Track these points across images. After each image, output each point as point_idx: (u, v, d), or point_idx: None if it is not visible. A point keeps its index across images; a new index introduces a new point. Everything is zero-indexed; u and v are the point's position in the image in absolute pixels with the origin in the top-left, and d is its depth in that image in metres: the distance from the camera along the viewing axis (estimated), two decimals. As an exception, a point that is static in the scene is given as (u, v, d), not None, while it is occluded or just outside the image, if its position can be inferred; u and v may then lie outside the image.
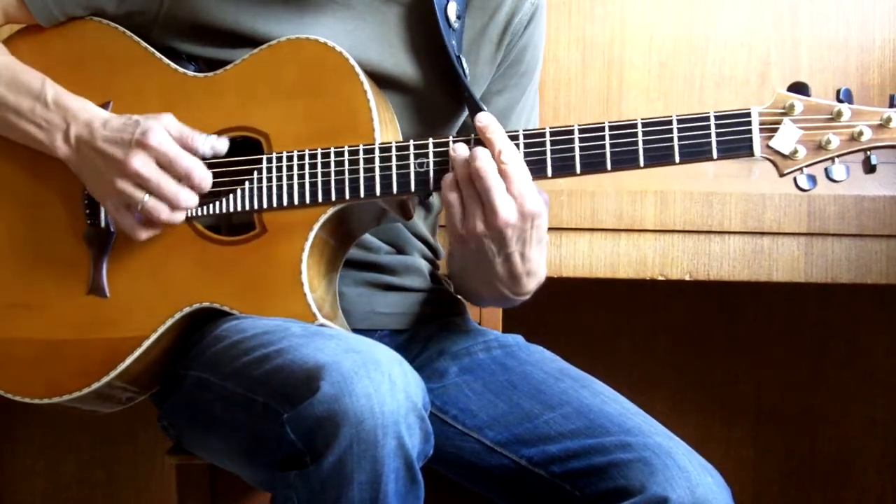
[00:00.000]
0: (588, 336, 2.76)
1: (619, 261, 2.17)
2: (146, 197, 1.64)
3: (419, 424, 1.45)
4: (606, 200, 2.16)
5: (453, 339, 1.82)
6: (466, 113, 1.82)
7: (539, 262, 1.66)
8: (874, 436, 2.80)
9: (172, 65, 1.73)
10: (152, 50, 1.74)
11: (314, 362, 1.45)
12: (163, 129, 1.65)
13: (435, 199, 1.86)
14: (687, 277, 2.18)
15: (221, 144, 1.68)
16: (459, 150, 1.61)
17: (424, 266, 1.87)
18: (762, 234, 2.16)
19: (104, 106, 1.72)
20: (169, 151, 1.64)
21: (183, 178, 1.65)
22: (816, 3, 2.38)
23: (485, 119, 1.62)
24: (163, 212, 1.65)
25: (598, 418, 1.62)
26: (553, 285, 2.08)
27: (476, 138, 1.62)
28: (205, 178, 1.66)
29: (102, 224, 1.72)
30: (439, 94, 1.79)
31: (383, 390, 1.42)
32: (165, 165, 1.65)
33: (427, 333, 1.84)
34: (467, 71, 1.78)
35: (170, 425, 1.80)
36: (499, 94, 1.85)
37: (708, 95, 2.38)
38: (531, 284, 1.68)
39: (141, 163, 1.64)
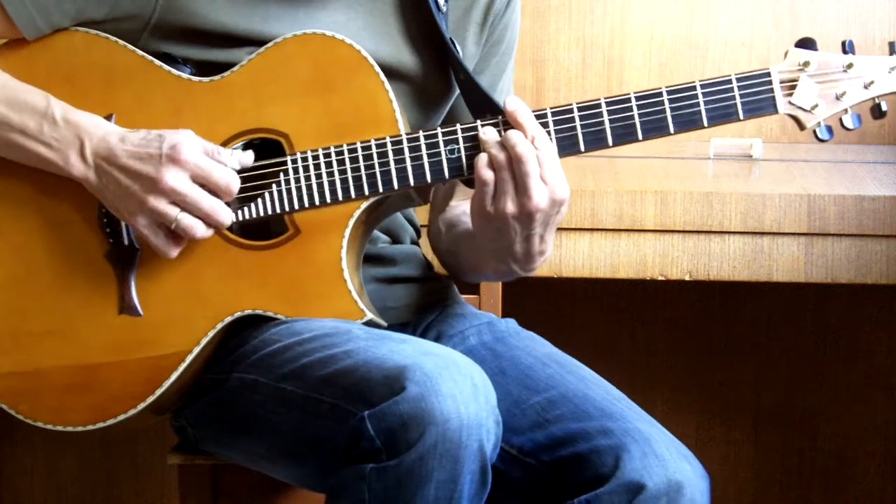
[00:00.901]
0: (588, 336, 2.76)
1: (620, 261, 2.18)
2: (180, 214, 1.61)
3: (495, 429, 1.47)
4: (606, 200, 2.16)
5: (449, 323, 1.83)
6: (456, 94, 1.82)
7: (551, 242, 1.68)
8: (875, 436, 2.80)
9: (174, 71, 1.69)
10: (150, 57, 1.69)
11: (393, 363, 1.46)
12: (192, 143, 1.62)
13: None
14: (687, 277, 2.18)
15: (247, 157, 1.66)
16: (490, 133, 1.62)
17: (418, 252, 1.88)
18: (762, 234, 2.17)
19: (106, 119, 1.67)
20: (203, 164, 1.61)
21: (221, 192, 1.62)
22: (816, 3, 2.38)
23: (514, 104, 1.62)
24: (199, 229, 1.62)
25: (582, 403, 1.63)
26: (553, 285, 2.09)
27: (504, 121, 1.63)
28: (237, 189, 1.64)
29: (125, 241, 1.68)
30: (433, 78, 1.79)
31: (467, 392, 1.44)
32: (200, 179, 1.62)
33: (427, 321, 1.84)
34: (460, 52, 1.78)
35: (189, 425, 1.77)
36: (481, 74, 1.85)
37: (708, 95, 2.37)
38: (539, 261, 1.70)
39: (176, 179, 1.60)
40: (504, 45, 1.87)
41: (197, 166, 1.61)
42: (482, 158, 1.61)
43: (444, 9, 1.77)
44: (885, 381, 2.78)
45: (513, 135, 1.60)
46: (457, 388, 1.43)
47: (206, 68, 1.71)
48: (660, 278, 2.18)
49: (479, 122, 1.64)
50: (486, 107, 1.70)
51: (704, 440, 2.72)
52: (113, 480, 2.80)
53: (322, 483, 1.55)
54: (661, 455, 1.55)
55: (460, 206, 1.86)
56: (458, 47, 1.78)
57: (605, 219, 2.17)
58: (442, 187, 1.89)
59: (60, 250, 1.70)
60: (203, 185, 1.62)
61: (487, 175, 1.61)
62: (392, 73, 1.74)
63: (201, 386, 1.71)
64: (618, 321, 2.78)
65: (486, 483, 1.47)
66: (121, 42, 1.70)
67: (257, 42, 1.69)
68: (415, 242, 1.91)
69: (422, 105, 1.80)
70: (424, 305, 1.86)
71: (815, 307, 2.77)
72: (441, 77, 1.80)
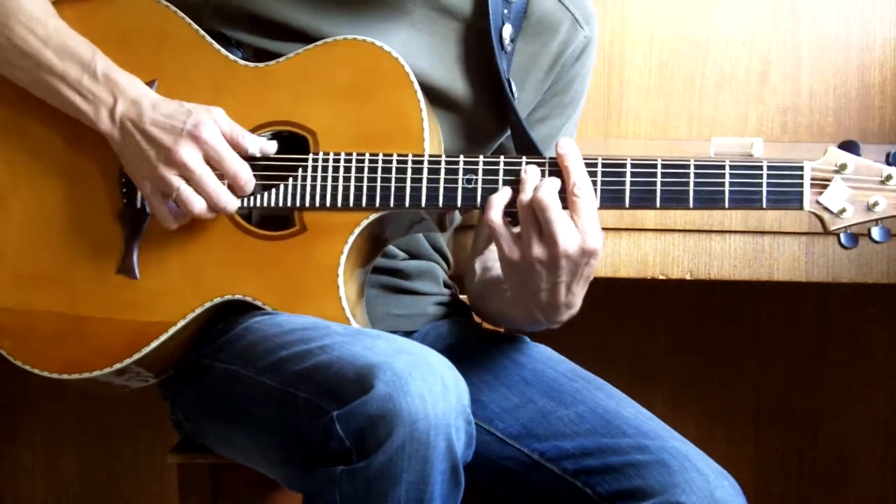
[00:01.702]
0: (589, 335, 2.76)
1: (620, 260, 2.17)
2: (182, 186, 1.63)
3: (465, 428, 1.46)
4: (607, 200, 2.16)
5: (462, 336, 1.82)
6: (507, 135, 1.81)
7: (580, 296, 1.64)
8: (875, 435, 2.80)
9: (223, 51, 1.71)
10: (203, 33, 1.72)
11: (365, 361, 1.45)
12: (215, 124, 1.63)
13: (457, 213, 1.86)
14: (688, 277, 2.18)
15: (270, 146, 1.67)
16: (531, 174, 1.59)
17: (436, 269, 1.88)
18: (763, 233, 2.16)
19: (149, 84, 1.69)
20: (219, 148, 1.63)
21: (229, 179, 1.64)
22: (817, 2, 2.38)
23: (566, 146, 1.60)
24: (196, 205, 1.63)
25: (615, 420, 1.62)
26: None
27: (549, 160, 1.61)
28: (249, 181, 1.65)
29: (138, 204, 1.70)
30: (483, 113, 1.79)
31: (436, 392, 1.42)
32: (213, 161, 1.63)
33: (437, 332, 1.84)
34: (515, 94, 1.77)
35: (185, 419, 1.79)
36: (541, 122, 1.85)
37: (708, 95, 2.38)
38: (566, 316, 1.66)
39: (189, 154, 1.62)
40: (569, 96, 1.86)
41: (212, 148, 1.63)
42: (495, 204, 1.58)
43: (510, 48, 1.76)
44: (886, 380, 2.78)
45: (542, 180, 1.58)
46: (426, 387, 1.42)
47: (259, 55, 1.72)
48: (660, 277, 2.18)
49: (501, 158, 1.62)
50: (532, 153, 1.69)
51: (705, 440, 2.71)
52: (113, 479, 2.81)
53: (302, 483, 1.55)
54: (703, 471, 1.55)
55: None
56: (516, 89, 1.78)
57: (606, 218, 2.16)
58: (483, 231, 1.88)
59: (78, 201, 1.73)
60: (215, 169, 1.63)
61: (496, 221, 1.58)
62: (441, 98, 1.74)
63: (189, 366, 1.72)
64: (619, 320, 2.78)
65: (458, 483, 1.46)
66: (180, 13, 1.73)
67: (313, 40, 1.70)
68: (436, 261, 1.90)
69: (468, 135, 1.80)
70: (432, 317, 1.86)
71: (816, 307, 2.77)
72: (492, 113, 1.79)
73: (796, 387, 2.80)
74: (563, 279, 1.59)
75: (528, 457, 1.65)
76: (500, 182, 1.62)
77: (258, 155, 1.66)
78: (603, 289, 2.69)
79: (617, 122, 2.37)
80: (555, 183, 1.58)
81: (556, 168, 1.61)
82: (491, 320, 1.88)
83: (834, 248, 2.17)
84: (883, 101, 2.36)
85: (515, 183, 1.61)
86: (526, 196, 1.58)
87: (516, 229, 1.59)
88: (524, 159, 1.62)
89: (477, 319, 1.94)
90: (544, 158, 1.62)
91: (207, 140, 1.62)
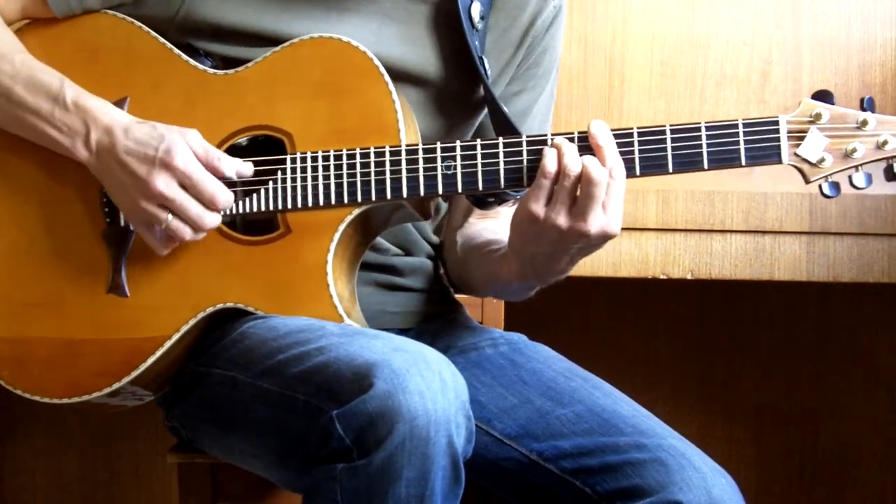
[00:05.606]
0: (590, 335, 2.76)
1: (621, 259, 2.17)
2: (170, 217, 1.63)
3: (465, 424, 1.46)
4: (608, 199, 2.16)
5: (459, 335, 1.82)
6: (485, 112, 1.81)
7: (571, 267, 1.66)
8: (876, 434, 2.80)
9: (191, 61, 1.71)
10: (170, 46, 1.72)
11: (363, 360, 1.45)
12: (188, 149, 1.62)
13: (441, 202, 1.86)
14: (689, 276, 2.18)
15: (247, 169, 1.66)
16: (567, 145, 1.57)
17: (428, 265, 1.88)
18: (764, 232, 2.17)
19: (121, 102, 1.70)
20: (193, 174, 1.62)
21: (206, 203, 1.63)
22: (818, 2, 2.38)
23: (599, 127, 1.59)
24: (186, 233, 1.64)
25: (612, 418, 1.62)
26: (555, 284, 2.08)
27: (579, 134, 1.60)
28: (228, 202, 1.64)
29: (122, 223, 1.70)
30: (460, 92, 1.79)
31: (435, 388, 1.42)
32: (188, 188, 1.62)
33: (432, 331, 1.84)
34: (489, 71, 1.78)
35: (181, 426, 1.78)
36: (517, 95, 1.85)
37: (709, 94, 2.37)
38: (554, 280, 1.69)
39: (164, 184, 1.62)
40: (542, 67, 1.86)
41: (185, 175, 1.62)
42: (550, 162, 1.57)
43: (480, 26, 1.76)
44: (887, 379, 2.78)
45: (591, 157, 1.56)
46: (425, 383, 1.42)
47: (230, 64, 1.72)
48: (661, 277, 2.18)
49: (478, 141, 1.62)
50: (508, 129, 1.69)
51: (706, 439, 2.73)
52: (114, 480, 2.81)
53: (302, 483, 1.55)
54: (700, 468, 1.55)
55: (480, 223, 1.86)
56: (489, 66, 1.78)
57: (607, 218, 2.16)
58: (460, 206, 1.89)
59: (60, 225, 1.73)
60: (192, 192, 1.63)
61: (547, 178, 1.57)
62: (415, 79, 1.74)
63: (186, 377, 1.72)
64: (619, 320, 2.78)
65: (459, 479, 1.46)
66: (145, 28, 1.73)
67: (283, 42, 1.70)
68: (432, 259, 1.90)
69: (444, 115, 1.80)
70: (427, 315, 1.86)
71: (817, 306, 2.77)
72: (468, 92, 1.79)
73: (797, 386, 2.80)
74: (572, 251, 1.61)
75: (526, 457, 1.65)
76: (479, 165, 1.63)
77: (235, 178, 1.65)
78: (603, 288, 2.70)
79: (618, 121, 2.37)
80: (598, 161, 1.57)
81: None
82: (469, 288, 1.88)
83: (835, 247, 2.17)
84: (884, 100, 2.36)
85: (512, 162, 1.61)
86: (574, 167, 1.56)
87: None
88: (576, 133, 1.59)
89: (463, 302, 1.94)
90: (545, 135, 1.61)
91: (179, 167, 1.61)
